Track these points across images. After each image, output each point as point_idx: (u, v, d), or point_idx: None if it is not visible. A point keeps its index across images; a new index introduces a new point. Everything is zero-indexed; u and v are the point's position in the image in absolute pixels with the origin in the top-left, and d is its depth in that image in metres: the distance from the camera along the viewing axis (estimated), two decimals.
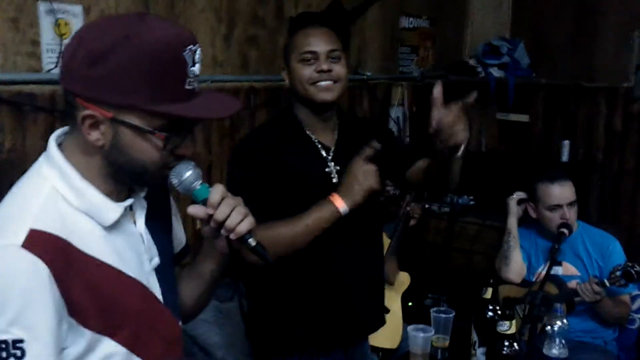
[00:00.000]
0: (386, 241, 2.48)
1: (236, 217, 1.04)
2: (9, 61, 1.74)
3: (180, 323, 1.20)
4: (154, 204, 1.13)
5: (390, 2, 3.23)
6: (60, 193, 1.00)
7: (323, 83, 1.62)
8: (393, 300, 2.53)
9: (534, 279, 2.36)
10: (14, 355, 0.92)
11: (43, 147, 1.73)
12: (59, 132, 1.06)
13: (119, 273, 1.04)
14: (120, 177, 1.04)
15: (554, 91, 3.76)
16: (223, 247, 1.11)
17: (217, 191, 1.04)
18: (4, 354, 0.91)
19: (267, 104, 2.52)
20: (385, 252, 2.48)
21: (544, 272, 2.08)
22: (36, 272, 0.93)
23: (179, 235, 1.26)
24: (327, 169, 1.66)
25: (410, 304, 2.76)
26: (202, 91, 1.01)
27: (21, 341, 0.92)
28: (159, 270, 1.13)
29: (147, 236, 1.11)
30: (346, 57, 1.69)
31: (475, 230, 3.14)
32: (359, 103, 3.15)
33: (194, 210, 1.05)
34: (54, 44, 1.82)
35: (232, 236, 1.05)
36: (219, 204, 1.04)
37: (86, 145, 0.99)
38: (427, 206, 3.11)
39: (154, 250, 1.13)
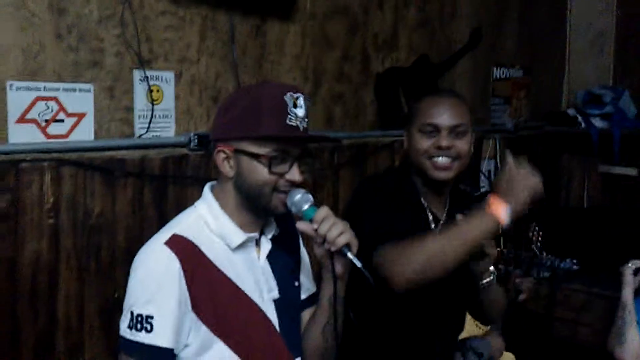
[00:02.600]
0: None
1: (335, 230, 1.21)
2: (103, 128, 1.80)
3: (298, 359, 1.33)
4: (282, 248, 1.36)
5: (482, 53, 3.11)
6: (204, 219, 1.29)
7: (441, 160, 1.55)
8: None
9: None
10: (145, 329, 1.17)
11: (131, 212, 1.79)
12: (211, 183, 1.37)
13: (236, 288, 1.26)
14: (248, 206, 1.28)
15: None
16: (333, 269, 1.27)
17: (322, 210, 1.25)
18: (139, 326, 1.17)
19: (351, 162, 2.44)
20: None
21: None
22: (170, 264, 1.19)
23: (307, 283, 1.44)
24: None
25: None
26: (309, 131, 1.28)
27: (152, 317, 1.17)
28: (277, 304, 1.31)
29: (267, 270, 1.32)
30: (472, 130, 1.63)
31: (581, 298, 2.84)
32: None
33: (301, 225, 1.26)
34: (146, 110, 1.87)
35: (332, 248, 1.22)
36: (323, 220, 1.22)
37: (224, 182, 1.29)
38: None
39: (272, 283, 1.32)
